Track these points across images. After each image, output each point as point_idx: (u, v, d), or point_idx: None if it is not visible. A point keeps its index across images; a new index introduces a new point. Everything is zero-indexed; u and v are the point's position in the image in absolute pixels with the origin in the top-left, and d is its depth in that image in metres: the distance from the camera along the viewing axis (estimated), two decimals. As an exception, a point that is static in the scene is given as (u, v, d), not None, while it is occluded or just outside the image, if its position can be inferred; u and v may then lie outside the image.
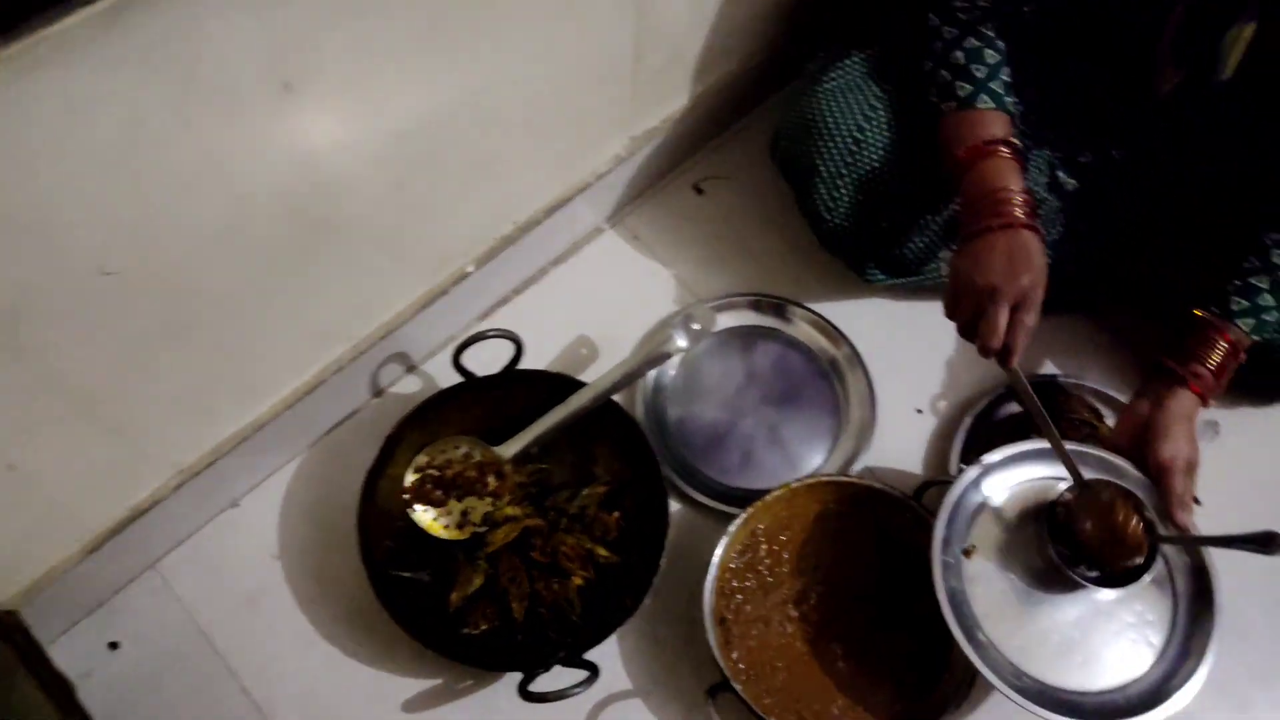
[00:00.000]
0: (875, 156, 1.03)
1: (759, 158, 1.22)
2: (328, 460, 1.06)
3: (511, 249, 1.07)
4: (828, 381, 1.13)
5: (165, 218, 0.70)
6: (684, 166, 1.24)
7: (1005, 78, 0.94)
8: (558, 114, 0.98)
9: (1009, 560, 0.93)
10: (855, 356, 1.12)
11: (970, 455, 1.09)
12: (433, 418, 1.02)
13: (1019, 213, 0.89)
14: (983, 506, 0.95)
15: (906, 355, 1.15)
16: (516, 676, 0.92)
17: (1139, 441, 0.95)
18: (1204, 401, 0.95)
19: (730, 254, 1.20)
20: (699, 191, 1.23)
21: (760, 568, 1.00)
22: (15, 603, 0.89)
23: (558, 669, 0.93)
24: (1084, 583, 0.88)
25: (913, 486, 1.08)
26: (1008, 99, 0.94)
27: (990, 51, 0.94)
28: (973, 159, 0.92)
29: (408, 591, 0.97)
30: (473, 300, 1.10)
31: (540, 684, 0.91)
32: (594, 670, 0.92)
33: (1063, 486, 0.92)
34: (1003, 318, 0.87)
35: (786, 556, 1.01)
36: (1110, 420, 1.10)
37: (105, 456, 0.85)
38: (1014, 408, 1.12)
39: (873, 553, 1.01)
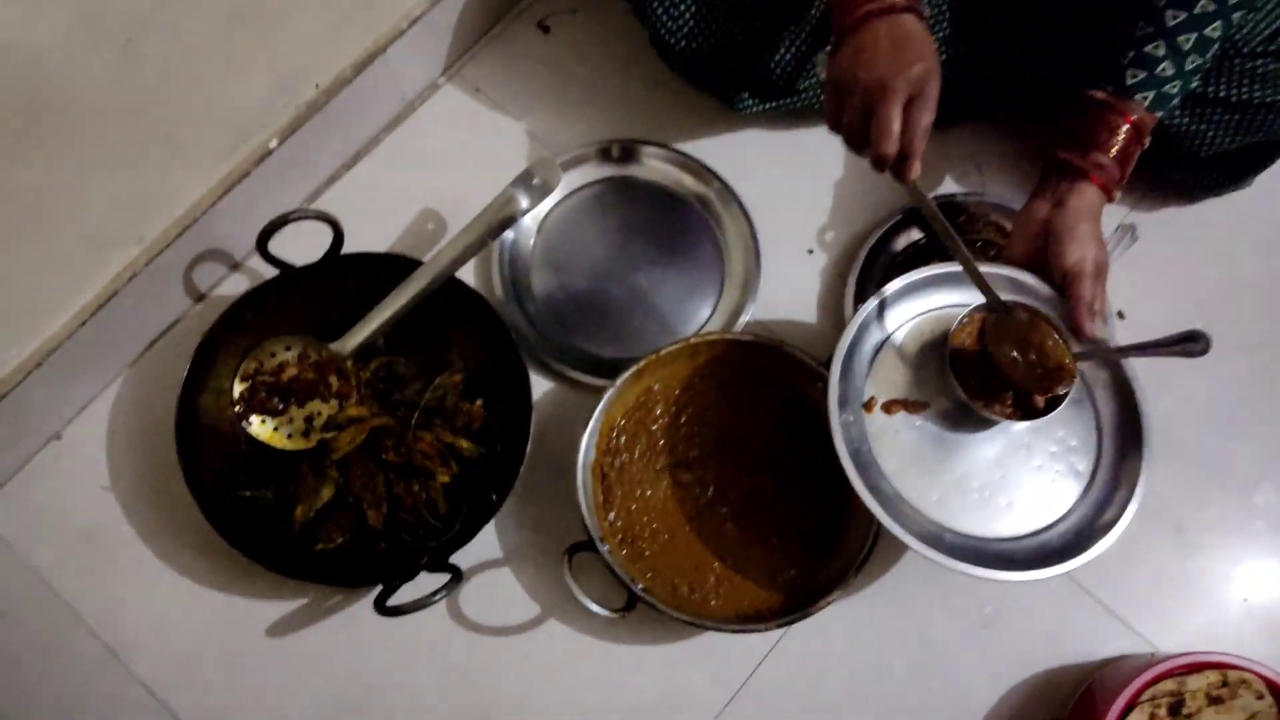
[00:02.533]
0: None
1: (610, -17, 1.07)
2: (150, 378, 0.95)
3: (322, 115, 0.92)
4: (704, 229, 1.02)
5: None
6: (524, 3, 1.09)
7: None
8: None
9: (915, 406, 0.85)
10: (729, 194, 1.01)
11: (868, 294, 0.99)
12: (253, 319, 0.90)
13: None
14: (880, 349, 0.86)
15: (791, 191, 1.03)
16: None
17: (1038, 248, 0.85)
18: (1109, 195, 0.84)
19: (587, 99, 1.06)
20: (545, 30, 1.08)
21: (653, 427, 0.92)
22: None
23: (424, 575, 0.85)
24: (996, 418, 0.80)
25: (808, 335, 0.99)
26: None
27: None
28: None
29: (251, 512, 0.88)
30: (288, 181, 0.97)
31: (403, 594, 0.83)
32: (457, 574, 0.84)
33: (963, 314, 0.82)
34: (895, 117, 0.75)
35: (683, 419, 0.92)
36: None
37: None
38: (913, 235, 1.01)
39: (774, 415, 0.93)
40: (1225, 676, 0.82)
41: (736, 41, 0.92)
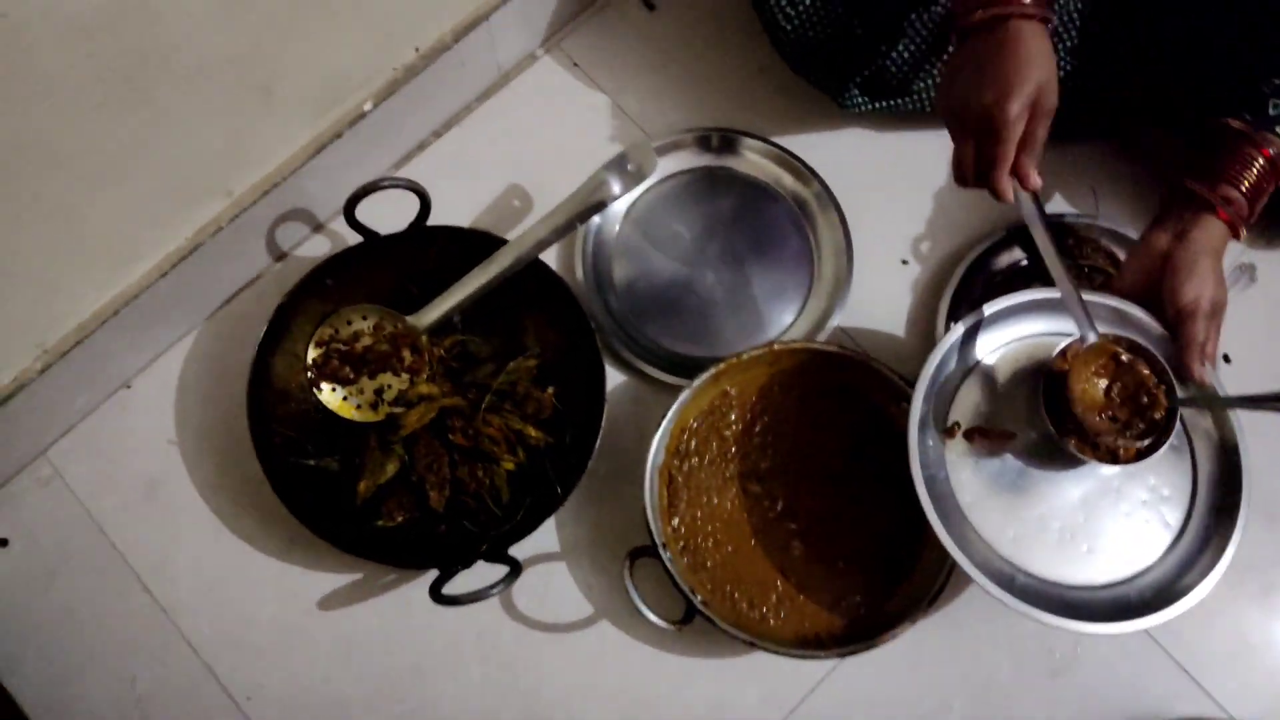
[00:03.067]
0: None
1: (722, -37, 1.02)
2: (225, 334, 0.94)
3: (419, 81, 0.90)
4: (797, 229, 0.97)
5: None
6: (635, -26, 1.05)
7: None
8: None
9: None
10: (828, 196, 0.96)
11: (961, 313, 0.95)
12: (333, 284, 0.89)
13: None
14: (969, 373, 0.82)
15: (891, 198, 0.98)
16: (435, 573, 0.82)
17: (1154, 282, 0.79)
18: (1235, 232, 0.78)
19: (688, 81, 1.01)
20: (650, 7, 1.04)
21: (726, 433, 0.89)
22: None
23: (481, 567, 0.83)
24: (1085, 459, 0.75)
25: (894, 350, 0.95)
26: None
27: None
28: None
29: (314, 481, 0.86)
30: (380, 145, 0.95)
31: (459, 582, 0.82)
32: (516, 567, 0.82)
33: (1064, 343, 0.78)
34: (1008, 155, 0.71)
35: (757, 428, 0.89)
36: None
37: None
38: (1016, 255, 0.96)
39: (853, 432, 0.89)
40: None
41: (854, 33, 0.87)
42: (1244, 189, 0.77)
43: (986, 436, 0.79)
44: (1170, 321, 0.79)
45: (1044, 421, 0.75)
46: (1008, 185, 0.73)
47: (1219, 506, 0.79)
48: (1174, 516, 0.80)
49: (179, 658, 0.88)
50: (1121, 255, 0.95)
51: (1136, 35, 0.92)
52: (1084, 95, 0.93)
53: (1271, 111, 0.77)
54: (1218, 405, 0.79)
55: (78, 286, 0.81)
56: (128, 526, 0.90)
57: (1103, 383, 0.77)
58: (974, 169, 0.75)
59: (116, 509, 0.91)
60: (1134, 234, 0.95)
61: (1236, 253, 0.97)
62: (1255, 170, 0.78)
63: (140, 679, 0.88)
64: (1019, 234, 0.96)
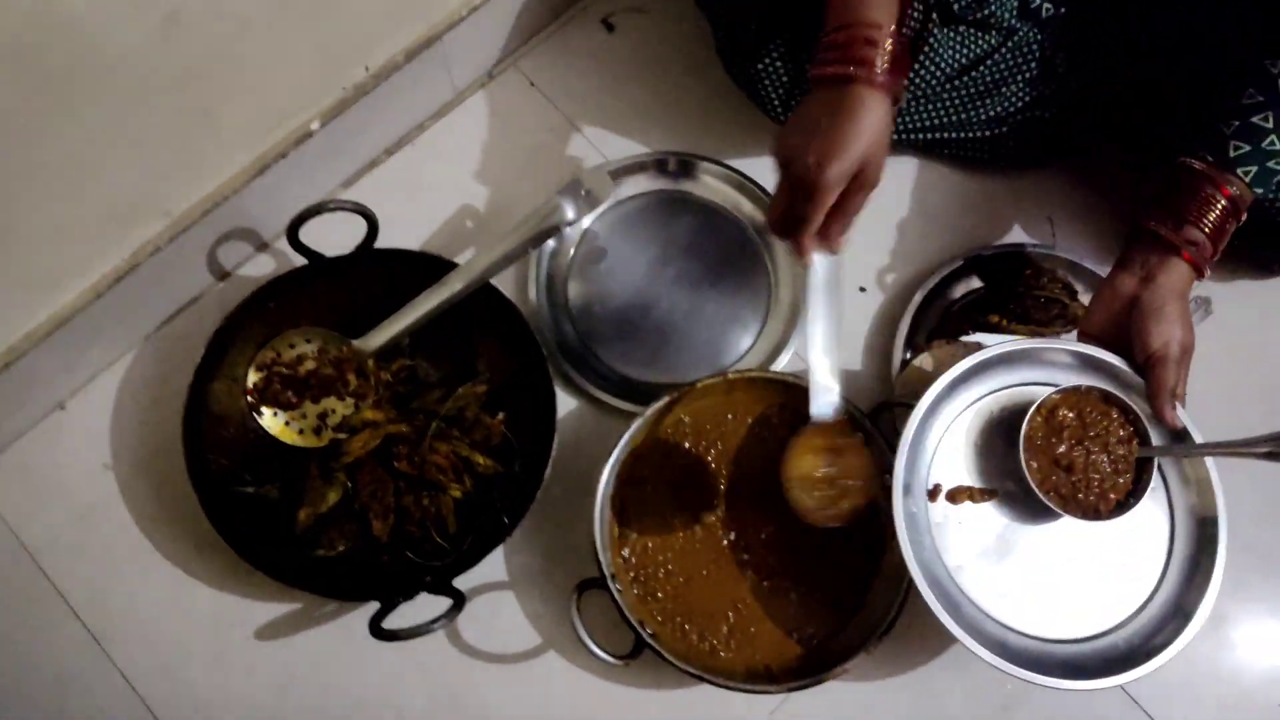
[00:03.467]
0: None
1: (682, -15, 1.01)
2: (164, 355, 0.91)
3: (369, 100, 0.88)
4: (755, 254, 0.96)
5: None
6: (592, -2, 1.04)
7: None
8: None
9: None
10: (785, 224, 0.95)
11: (919, 339, 0.94)
12: (276, 307, 0.86)
13: (872, 59, 0.68)
14: (944, 431, 0.80)
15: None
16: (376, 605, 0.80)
17: (1121, 325, 0.79)
18: (1199, 273, 0.77)
19: (646, 103, 1.00)
20: (609, 28, 1.03)
21: (680, 462, 0.87)
22: None
23: (424, 598, 0.81)
24: (1062, 514, 0.74)
25: (851, 379, 0.94)
26: None
27: None
28: None
29: (253, 509, 0.84)
30: (328, 164, 0.92)
31: (403, 613, 0.80)
32: (459, 600, 0.80)
33: (1043, 394, 0.76)
34: (818, 208, 0.70)
35: (711, 456, 0.87)
36: (1085, 297, 0.94)
37: None
38: (972, 284, 0.96)
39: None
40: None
41: (804, 65, 0.86)
42: (1207, 230, 0.77)
43: (969, 496, 0.78)
44: (1140, 365, 0.78)
45: (1026, 478, 0.74)
46: (809, 245, 0.73)
47: (1197, 557, 0.78)
48: (1152, 567, 0.79)
49: (111, 689, 0.85)
50: (1078, 286, 0.94)
51: (1100, 66, 0.92)
52: (1046, 122, 0.93)
53: (1232, 153, 0.77)
54: (1192, 453, 0.78)
55: (8, 307, 0.78)
56: (60, 554, 0.87)
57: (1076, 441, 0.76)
58: (782, 219, 0.74)
59: (48, 536, 0.88)
60: (1091, 264, 0.95)
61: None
62: (1217, 210, 0.77)
63: (69, 711, 0.85)
64: (976, 263, 0.95)
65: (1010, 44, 0.90)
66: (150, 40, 0.67)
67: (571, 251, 0.96)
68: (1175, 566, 0.79)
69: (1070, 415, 0.76)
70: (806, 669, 0.82)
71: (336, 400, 0.85)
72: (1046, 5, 0.91)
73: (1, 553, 0.87)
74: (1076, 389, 0.76)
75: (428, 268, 0.86)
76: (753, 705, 0.86)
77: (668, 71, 1.02)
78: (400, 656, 0.85)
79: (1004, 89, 0.92)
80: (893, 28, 0.69)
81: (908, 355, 0.92)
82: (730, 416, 0.88)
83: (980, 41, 0.89)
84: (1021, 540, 0.78)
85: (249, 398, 0.83)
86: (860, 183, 0.71)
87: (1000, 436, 0.79)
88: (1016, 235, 0.98)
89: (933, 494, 0.77)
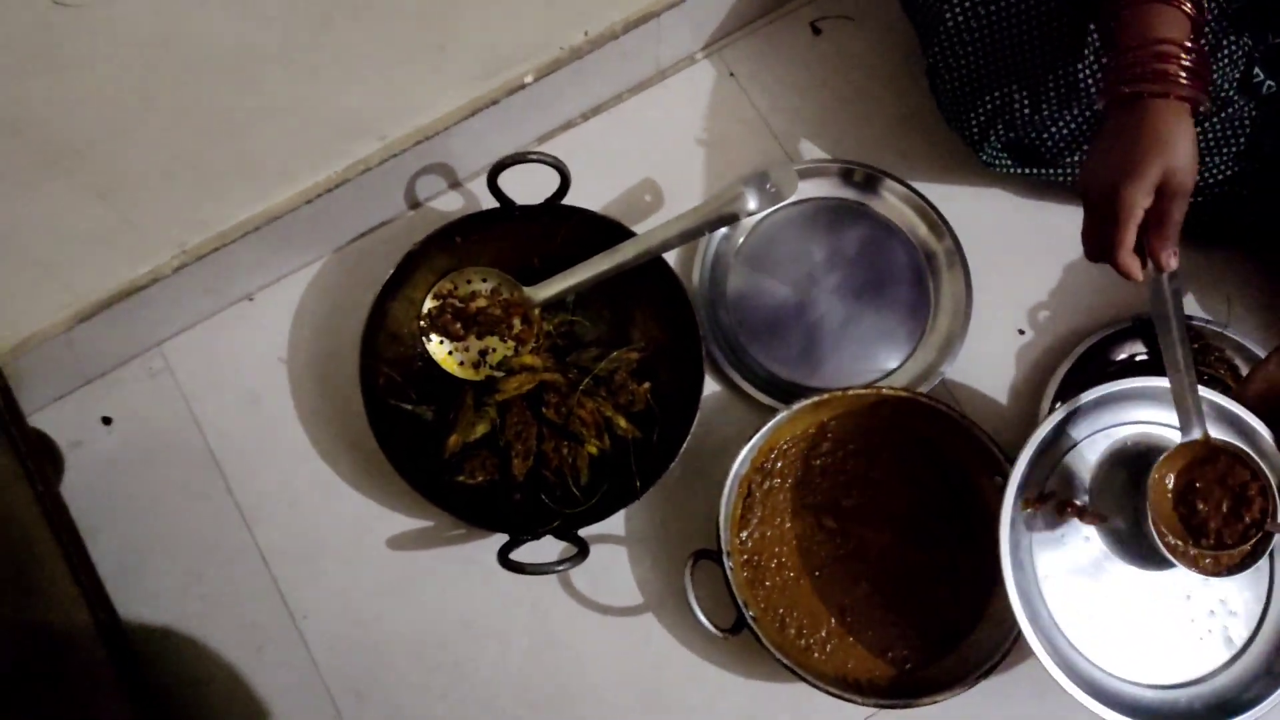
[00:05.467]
0: (1017, 8, 0.83)
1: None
2: (350, 268, 0.97)
3: (580, 64, 0.92)
4: (919, 277, 0.97)
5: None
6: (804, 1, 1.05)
7: None
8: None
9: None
10: (957, 253, 0.95)
11: (1070, 395, 0.93)
12: (462, 243, 0.91)
13: (1178, 75, 0.69)
14: (1069, 450, 0.81)
15: (1021, 263, 0.97)
16: (503, 538, 0.84)
17: (1273, 403, 0.78)
18: None
19: (839, 110, 1.02)
20: (816, 31, 1.04)
21: (815, 463, 0.90)
22: (-1, 360, 0.85)
23: (549, 540, 0.85)
24: (1173, 561, 0.74)
25: (995, 417, 0.94)
26: None
27: None
28: (1132, 2, 0.71)
29: (407, 425, 0.89)
30: (530, 117, 0.97)
31: (525, 552, 0.84)
32: (584, 548, 0.84)
33: (1175, 439, 0.76)
34: (1125, 228, 0.70)
35: (847, 465, 0.90)
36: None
37: (92, 222, 0.78)
38: (1135, 348, 0.94)
39: (939, 491, 0.89)
40: None
41: (1011, 95, 0.87)
42: None
43: (1080, 513, 0.79)
44: None
45: (1146, 518, 0.75)
46: (1133, 264, 0.72)
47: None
48: (1239, 633, 0.79)
49: (247, 564, 0.92)
50: (1244, 369, 0.92)
51: None
52: (1245, 201, 0.91)
53: None
54: None
55: (227, 197, 0.85)
56: (225, 431, 0.94)
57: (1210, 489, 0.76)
58: (1097, 246, 0.74)
59: (217, 412, 0.95)
60: (1261, 351, 0.93)
61: None
62: None
63: (206, 577, 0.92)
64: (1145, 327, 0.94)
65: (1224, 115, 0.88)
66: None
67: (741, 240, 0.98)
68: (1270, 627, 0.79)
69: (1205, 471, 0.76)
70: (896, 691, 0.83)
71: (499, 340, 0.90)
72: (1269, 82, 0.89)
73: (174, 420, 0.94)
74: (1215, 446, 0.75)
75: (607, 231, 0.90)
76: (838, 711, 0.87)
77: (866, 82, 1.03)
78: (513, 592, 0.90)
79: (1208, 159, 0.91)
80: (1187, 41, 0.70)
81: (1056, 405, 0.92)
82: (873, 430, 0.90)
83: None
84: (1115, 573, 0.79)
85: (421, 322, 0.89)
86: (1170, 191, 0.70)
87: (1126, 469, 0.80)
88: (1189, 308, 0.96)
89: (1043, 499, 0.79)
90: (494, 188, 0.88)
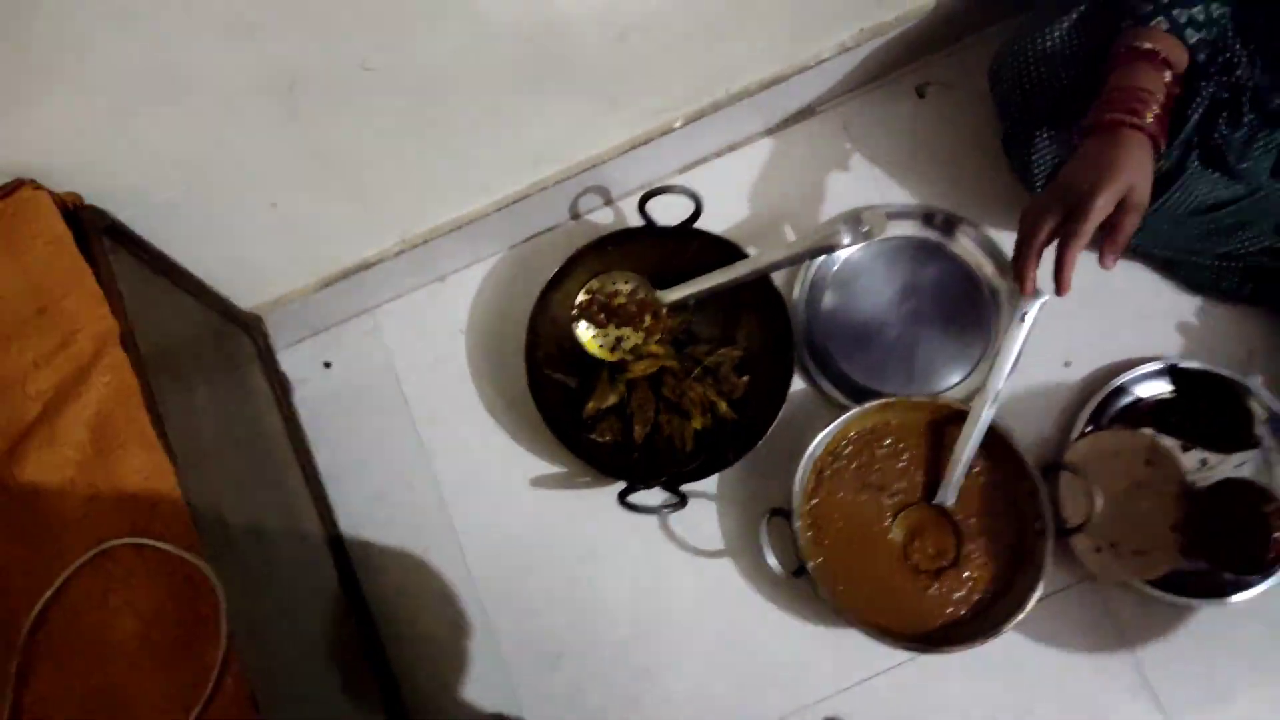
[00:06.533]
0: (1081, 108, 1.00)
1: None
2: (522, 262, 1.23)
3: (720, 113, 1.14)
4: (984, 310, 1.16)
5: (419, 30, 0.84)
6: (913, 65, 1.24)
7: (1201, 15, 0.90)
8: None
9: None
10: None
11: (1101, 421, 1.10)
12: (611, 250, 1.15)
13: (1145, 114, 0.86)
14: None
15: (1074, 305, 1.12)
16: (621, 485, 1.08)
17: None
18: None
19: (931, 163, 1.21)
20: (920, 95, 1.24)
21: (878, 451, 1.09)
22: (262, 310, 1.13)
23: (657, 490, 1.09)
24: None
25: (1034, 435, 1.12)
26: (1190, 31, 0.89)
27: None
28: (1127, 59, 0.89)
29: (556, 390, 1.14)
30: (674, 152, 1.20)
31: (637, 498, 1.07)
32: (684, 499, 1.07)
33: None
34: (1088, 224, 0.85)
35: (905, 457, 1.09)
36: (1260, 428, 1.08)
37: (346, 214, 1.05)
38: (1161, 388, 1.11)
39: (977, 486, 1.07)
40: None
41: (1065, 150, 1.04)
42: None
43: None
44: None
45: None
46: (1031, 277, 0.91)
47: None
48: None
49: (423, 487, 1.18)
50: (1257, 413, 1.08)
51: None
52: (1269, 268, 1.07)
53: None
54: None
55: (444, 201, 1.11)
56: (416, 383, 1.21)
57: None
58: (1045, 237, 0.90)
59: (410, 368, 1.22)
60: (1274, 402, 1.08)
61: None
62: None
63: (391, 495, 1.19)
64: (1173, 371, 1.11)
65: (1256, 197, 1.03)
66: (602, 48, 0.96)
67: (836, 268, 1.19)
68: None
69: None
70: (926, 640, 1.03)
71: (632, 330, 1.13)
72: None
73: (379, 370, 1.22)
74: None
75: (727, 251, 1.12)
76: (876, 655, 1.08)
77: (958, 142, 1.21)
78: (626, 530, 1.14)
79: (1240, 233, 1.06)
80: (1161, 98, 0.88)
81: (1088, 430, 1.09)
82: (928, 430, 1.09)
83: (1231, 188, 1.04)
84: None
85: (574, 310, 1.13)
86: (1128, 205, 0.86)
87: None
88: (1208, 358, 1.12)
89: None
90: (642, 210, 1.12)
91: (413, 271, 1.20)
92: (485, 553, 1.16)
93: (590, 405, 1.12)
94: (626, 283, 1.14)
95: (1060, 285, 0.89)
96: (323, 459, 1.19)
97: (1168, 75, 0.89)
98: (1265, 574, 1.02)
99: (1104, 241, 0.89)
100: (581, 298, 1.13)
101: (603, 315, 1.13)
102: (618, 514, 1.09)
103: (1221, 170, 1.02)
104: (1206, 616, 1.06)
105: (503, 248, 1.24)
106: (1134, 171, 0.86)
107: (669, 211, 1.13)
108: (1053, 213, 0.89)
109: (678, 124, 1.14)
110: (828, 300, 1.18)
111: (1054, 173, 1.07)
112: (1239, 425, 1.09)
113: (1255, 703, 1.05)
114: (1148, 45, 0.89)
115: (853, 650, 1.08)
